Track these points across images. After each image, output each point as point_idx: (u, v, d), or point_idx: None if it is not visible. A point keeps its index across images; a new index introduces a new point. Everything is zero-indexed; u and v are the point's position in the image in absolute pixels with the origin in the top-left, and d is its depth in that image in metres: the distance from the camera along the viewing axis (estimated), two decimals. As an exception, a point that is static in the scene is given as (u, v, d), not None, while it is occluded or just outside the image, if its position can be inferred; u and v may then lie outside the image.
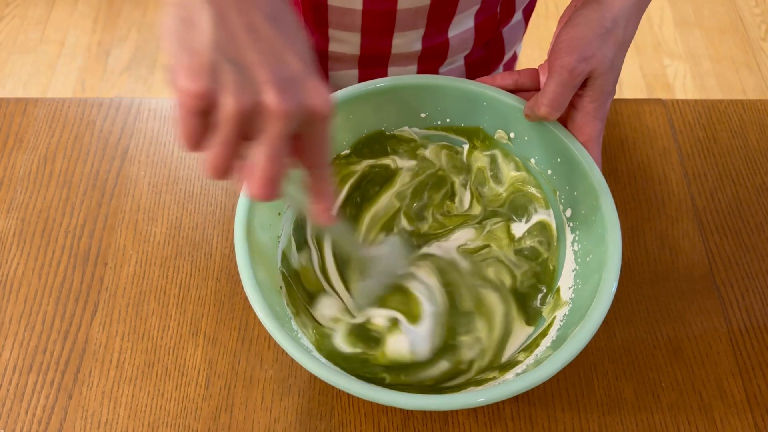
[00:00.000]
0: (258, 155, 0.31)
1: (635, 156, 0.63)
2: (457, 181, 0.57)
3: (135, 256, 0.56)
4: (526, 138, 0.53)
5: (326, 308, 0.50)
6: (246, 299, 0.53)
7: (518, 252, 0.54)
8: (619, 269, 0.44)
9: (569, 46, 0.46)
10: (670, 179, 0.61)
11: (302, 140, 0.34)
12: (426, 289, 0.52)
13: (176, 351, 0.52)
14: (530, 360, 0.46)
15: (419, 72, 0.66)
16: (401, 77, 0.52)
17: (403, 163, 0.57)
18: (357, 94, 0.51)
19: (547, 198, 0.54)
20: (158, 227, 0.58)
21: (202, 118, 0.30)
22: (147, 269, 0.56)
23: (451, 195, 0.57)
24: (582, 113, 0.48)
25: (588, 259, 0.48)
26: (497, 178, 0.56)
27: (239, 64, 0.30)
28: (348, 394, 0.50)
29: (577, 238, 0.50)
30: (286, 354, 0.46)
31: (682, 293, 0.55)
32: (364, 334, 0.49)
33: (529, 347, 0.48)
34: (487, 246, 0.55)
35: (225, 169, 0.32)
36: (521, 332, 0.50)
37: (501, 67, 0.73)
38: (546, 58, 0.49)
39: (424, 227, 0.56)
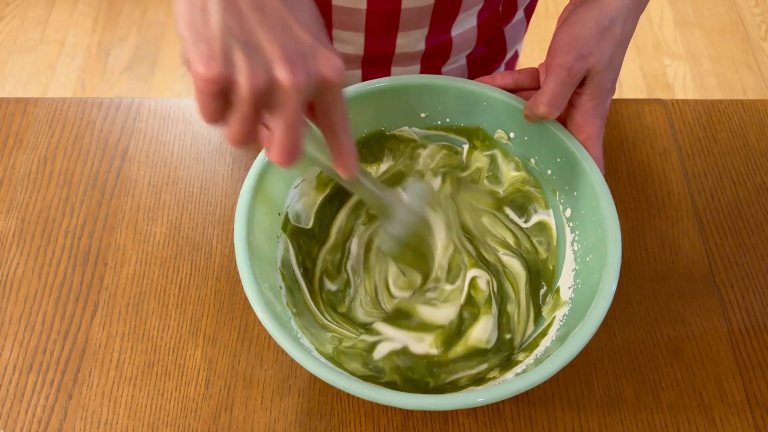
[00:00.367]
0: (276, 126, 0.33)
1: (635, 156, 0.63)
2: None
3: (135, 256, 0.56)
4: (526, 138, 0.53)
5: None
6: (246, 299, 0.53)
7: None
8: (619, 269, 0.44)
9: (566, 45, 0.46)
10: (670, 179, 0.61)
11: (318, 107, 0.36)
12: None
13: (176, 351, 0.52)
14: (530, 360, 0.46)
15: (422, 71, 0.66)
16: (401, 77, 0.52)
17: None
18: (357, 94, 0.51)
19: (547, 198, 0.54)
20: (158, 227, 0.58)
21: (220, 99, 0.32)
22: (147, 269, 0.56)
23: None
24: (581, 111, 0.48)
25: (588, 259, 0.48)
26: (497, 178, 0.56)
27: (250, 44, 0.32)
28: (348, 394, 0.50)
29: (577, 238, 0.50)
30: (286, 354, 0.46)
31: (682, 293, 0.55)
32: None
33: (529, 347, 0.48)
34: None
35: (246, 139, 0.34)
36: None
37: (503, 66, 0.73)
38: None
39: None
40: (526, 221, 0.55)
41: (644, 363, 0.52)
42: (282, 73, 0.32)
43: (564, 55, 0.46)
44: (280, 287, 0.48)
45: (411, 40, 0.61)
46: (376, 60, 0.64)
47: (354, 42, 0.61)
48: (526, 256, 0.54)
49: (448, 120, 0.55)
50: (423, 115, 0.55)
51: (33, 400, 0.50)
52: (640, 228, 0.58)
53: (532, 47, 1.61)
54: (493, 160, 0.56)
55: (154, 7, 1.81)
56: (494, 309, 0.50)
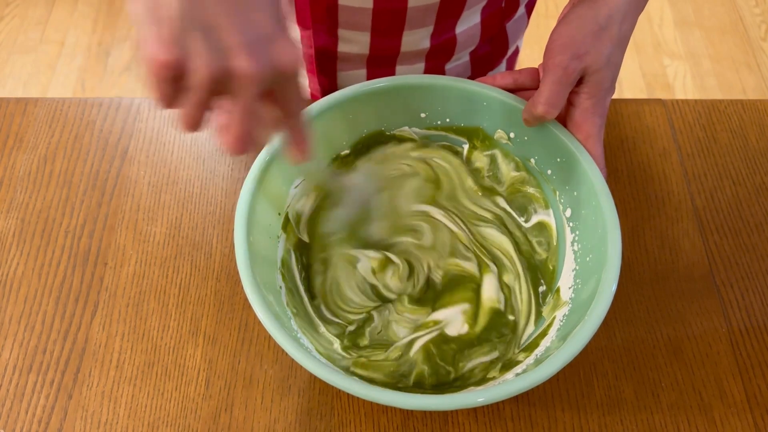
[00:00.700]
0: (231, 113, 0.33)
1: (635, 156, 0.63)
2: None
3: (135, 256, 0.56)
4: (525, 138, 0.53)
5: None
6: (246, 299, 0.53)
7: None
8: (619, 269, 0.44)
9: (562, 44, 0.46)
10: (670, 179, 0.61)
11: (275, 94, 0.35)
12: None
13: (176, 351, 0.52)
14: (530, 360, 0.46)
15: (426, 69, 0.66)
16: (401, 77, 0.52)
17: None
18: (357, 94, 0.51)
19: (547, 198, 0.54)
20: (158, 227, 0.58)
21: (174, 83, 0.31)
22: (147, 269, 0.56)
23: None
24: (580, 110, 0.48)
25: (588, 259, 0.48)
26: (497, 178, 0.56)
27: (207, 28, 0.31)
28: (348, 394, 0.50)
29: (577, 238, 0.50)
30: (286, 354, 0.46)
31: (682, 293, 0.55)
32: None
33: (529, 347, 0.48)
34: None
35: (198, 124, 0.33)
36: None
37: (504, 62, 0.74)
38: (546, 57, 0.49)
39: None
40: (526, 221, 0.55)
41: (644, 363, 0.52)
42: (240, 61, 0.31)
43: (560, 54, 0.46)
44: (280, 287, 0.48)
45: (416, 39, 0.62)
46: (381, 59, 0.64)
47: (360, 41, 0.61)
48: (525, 255, 0.54)
49: (448, 120, 0.55)
50: (423, 115, 0.55)
51: (33, 400, 0.50)
52: (640, 228, 0.58)
53: (532, 46, 1.61)
54: (493, 160, 0.56)
55: (154, 7, 1.81)
56: (492, 267, 0.53)
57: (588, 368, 0.52)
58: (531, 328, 0.51)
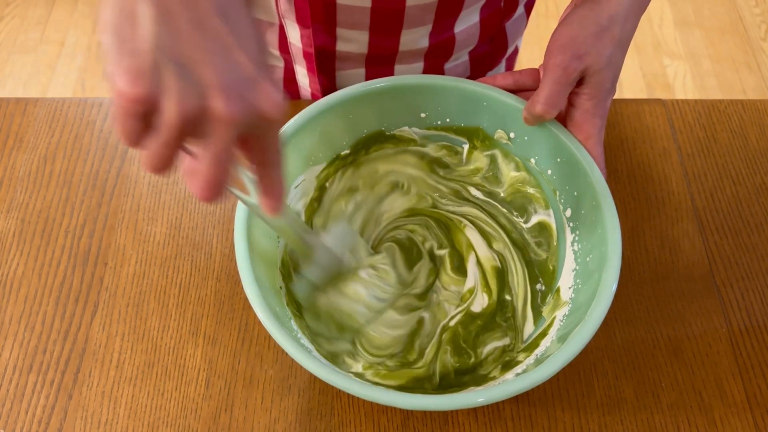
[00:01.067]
0: (202, 158, 0.30)
1: (635, 156, 0.63)
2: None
3: (135, 256, 0.56)
4: (525, 138, 0.53)
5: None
6: (246, 299, 0.53)
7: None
8: (619, 269, 0.44)
9: (563, 45, 0.46)
10: (670, 179, 0.61)
11: (252, 140, 0.33)
12: None
13: (176, 351, 0.52)
14: (530, 360, 0.46)
15: (425, 69, 0.66)
16: (401, 77, 0.52)
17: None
18: (357, 94, 0.51)
19: (547, 198, 0.54)
20: (158, 227, 0.58)
21: (142, 120, 0.29)
22: (147, 269, 0.56)
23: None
24: (580, 111, 0.48)
25: (588, 259, 0.48)
26: (497, 179, 0.56)
27: (184, 64, 0.28)
28: (348, 394, 0.50)
29: (577, 238, 0.50)
30: (286, 354, 0.46)
31: (682, 293, 0.55)
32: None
33: (529, 347, 0.48)
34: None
35: (165, 166, 0.30)
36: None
37: (503, 62, 0.74)
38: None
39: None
40: (526, 221, 0.55)
41: (644, 363, 0.52)
42: (216, 102, 0.28)
43: (561, 54, 0.46)
44: (280, 287, 0.48)
45: (415, 38, 0.62)
46: (380, 58, 0.64)
47: (358, 40, 0.61)
48: (524, 255, 0.55)
49: (448, 120, 0.55)
50: (423, 115, 0.55)
51: (33, 400, 0.50)
52: (640, 228, 0.58)
53: (532, 47, 1.61)
54: (493, 160, 0.56)
55: (154, 7, 1.81)
56: (478, 237, 0.56)
57: (588, 368, 0.52)
58: (531, 327, 0.51)
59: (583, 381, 0.51)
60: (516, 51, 0.76)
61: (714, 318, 0.54)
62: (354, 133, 0.55)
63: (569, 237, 0.51)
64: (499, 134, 0.54)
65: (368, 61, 0.64)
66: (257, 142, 0.33)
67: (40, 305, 0.54)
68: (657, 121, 0.65)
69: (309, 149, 0.52)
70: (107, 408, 0.49)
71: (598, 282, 0.44)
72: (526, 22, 0.73)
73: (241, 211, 0.46)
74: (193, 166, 0.31)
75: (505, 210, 0.56)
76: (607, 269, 0.44)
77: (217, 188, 0.30)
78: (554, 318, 0.48)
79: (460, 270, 0.55)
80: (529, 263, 0.54)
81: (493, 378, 0.47)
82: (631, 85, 1.68)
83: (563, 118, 0.50)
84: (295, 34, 0.62)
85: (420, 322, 0.52)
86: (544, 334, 0.48)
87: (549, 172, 0.52)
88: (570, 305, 0.48)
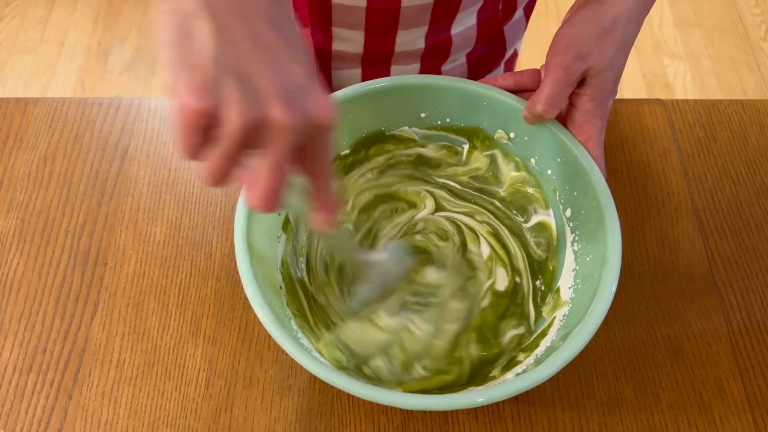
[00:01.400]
0: (260, 167, 0.31)
1: (635, 156, 0.63)
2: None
3: (135, 256, 0.56)
4: (526, 138, 0.53)
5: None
6: (246, 299, 0.53)
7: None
8: (619, 269, 0.44)
9: (565, 45, 0.46)
10: (670, 179, 0.61)
11: (305, 150, 0.33)
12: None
13: (176, 351, 0.52)
14: (530, 360, 0.46)
15: (422, 70, 0.66)
16: (401, 77, 0.52)
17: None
18: (357, 94, 0.51)
19: (547, 198, 0.54)
20: (158, 227, 0.58)
21: (204, 133, 0.30)
22: (147, 269, 0.56)
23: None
24: (581, 112, 0.48)
25: (588, 259, 0.48)
26: (497, 179, 0.56)
27: (242, 76, 0.29)
28: (348, 394, 0.50)
29: (577, 238, 0.50)
30: (286, 354, 0.46)
31: (682, 293, 0.55)
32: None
33: (529, 347, 0.48)
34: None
35: (224, 178, 0.31)
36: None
37: (502, 65, 0.73)
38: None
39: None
40: (526, 221, 0.55)
41: (644, 363, 0.52)
42: (275, 112, 0.29)
43: (562, 55, 0.46)
44: (280, 287, 0.48)
45: (411, 38, 0.61)
46: (376, 58, 0.64)
47: (354, 40, 0.61)
48: (524, 255, 0.55)
49: (448, 120, 0.55)
50: (423, 115, 0.55)
51: (33, 400, 0.50)
52: (640, 228, 0.58)
53: (532, 47, 1.61)
54: (493, 160, 0.56)
55: (155, 7, 1.81)
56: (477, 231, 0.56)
57: (588, 368, 0.52)
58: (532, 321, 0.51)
59: (583, 381, 0.51)
60: (515, 54, 0.76)
61: (714, 318, 0.54)
62: (354, 133, 0.55)
63: (569, 237, 0.51)
64: (499, 134, 0.54)
65: (364, 61, 0.64)
66: (311, 151, 0.33)
67: (40, 305, 0.54)
68: (657, 121, 0.65)
69: (309, 149, 0.52)
70: (107, 408, 0.49)
71: (598, 282, 0.44)
72: (526, 26, 0.72)
73: (241, 211, 0.46)
74: (251, 177, 0.31)
75: (504, 209, 0.56)
76: (607, 269, 0.44)
77: (276, 198, 0.31)
78: (554, 318, 0.48)
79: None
80: (530, 258, 0.54)
81: (493, 378, 0.47)
82: (631, 85, 1.68)
83: (564, 119, 0.50)
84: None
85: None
86: (544, 334, 0.48)
87: (549, 172, 0.52)
88: (570, 305, 0.48)
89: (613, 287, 0.43)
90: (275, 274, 0.49)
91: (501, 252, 0.55)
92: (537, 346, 0.47)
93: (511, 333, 0.51)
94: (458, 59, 0.68)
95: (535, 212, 0.55)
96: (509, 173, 0.55)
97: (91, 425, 0.49)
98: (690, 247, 0.57)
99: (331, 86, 0.67)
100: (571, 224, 0.51)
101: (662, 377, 0.51)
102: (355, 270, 0.50)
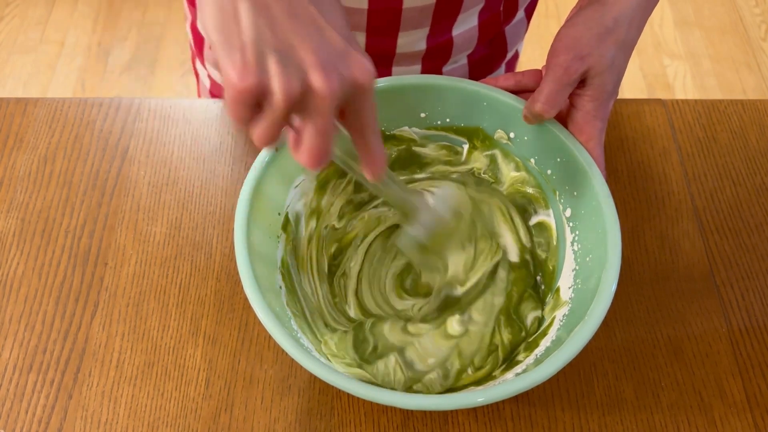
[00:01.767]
0: (307, 130, 0.33)
1: (635, 156, 0.63)
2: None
3: (135, 256, 0.56)
4: (525, 138, 0.53)
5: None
6: (246, 299, 0.53)
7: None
8: (619, 269, 0.44)
9: (565, 45, 0.46)
10: (670, 179, 0.61)
11: (349, 109, 0.36)
12: None
13: (176, 351, 0.52)
14: (530, 360, 0.46)
15: (423, 71, 0.66)
16: (401, 77, 0.52)
17: None
18: (357, 94, 0.51)
19: (546, 198, 0.54)
20: (158, 227, 0.58)
21: (251, 106, 0.32)
22: (147, 269, 0.56)
23: None
24: (582, 112, 0.48)
25: (588, 259, 0.48)
26: (497, 179, 0.56)
27: (282, 51, 0.32)
28: (348, 394, 0.50)
29: (577, 238, 0.50)
30: (286, 354, 0.46)
31: (682, 293, 0.55)
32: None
33: (529, 347, 0.48)
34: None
35: (274, 140, 0.34)
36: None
37: (503, 66, 0.73)
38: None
39: None
40: (526, 221, 0.55)
41: (644, 363, 0.52)
42: (316, 80, 0.32)
43: (563, 54, 0.46)
44: (280, 287, 0.48)
45: (412, 40, 0.62)
46: (378, 59, 0.64)
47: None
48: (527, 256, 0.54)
49: (448, 120, 0.55)
50: (423, 115, 0.55)
51: (33, 400, 0.50)
52: (640, 228, 0.58)
53: (533, 47, 1.62)
54: (493, 160, 0.56)
55: (154, 7, 1.81)
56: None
57: (588, 368, 0.52)
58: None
59: (583, 381, 0.51)
60: (516, 55, 0.76)
61: (714, 318, 0.54)
62: (354, 133, 0.55)
63: (569, 237, 0.51)
64: (499, 134, 0.54)
65: None
66: (354, 111, 0.36)
67: (40, 305, 0.54)
68: (657, 121, 0.65)
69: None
70: (107, 408, 0.49)
71: (598, 282, 0.44)
72: (527, 27, 0.72)
73: (241, 211, 0.46)
74: (299, 138, 0.34)
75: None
76: (607, 269, 0.44)
77: (323, 157, 0.34)
78: (554, 318, 0.48)
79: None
80: (532, 255, 0.54)
81: (493, 378, 0.47)
82: (631, 85, 1.68)
83: (564, 119, 0.50)
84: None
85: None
86: (544, 334, 0.48)
87: (549, 172, 0.52)
88: (570, 305, 0.48)
89: (613, 287, 0.43)
90: (275, 274, 0.49)
91: (509, 224, 0.55)
92: (537, 345, 0.47)
93: (531, 315, 0.51)
94: (459, 60, 0.68)
95: (535, 212, 0.55)
96: (509, 173, 0.55)
97: (91, 425, 0.49)
98: (690, 247, 0.57)
99: None
100: (571, 224, 0.51)
101: (662, 377, 0.51)
102: (406, 214, 0.50)
